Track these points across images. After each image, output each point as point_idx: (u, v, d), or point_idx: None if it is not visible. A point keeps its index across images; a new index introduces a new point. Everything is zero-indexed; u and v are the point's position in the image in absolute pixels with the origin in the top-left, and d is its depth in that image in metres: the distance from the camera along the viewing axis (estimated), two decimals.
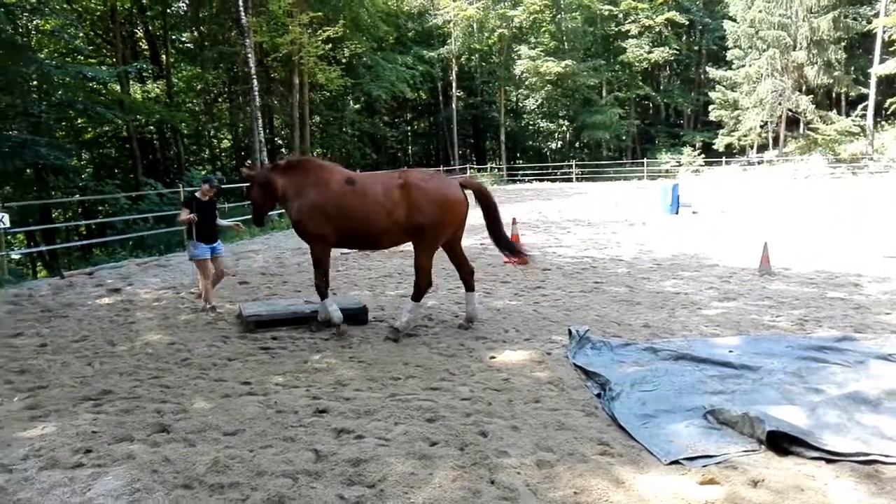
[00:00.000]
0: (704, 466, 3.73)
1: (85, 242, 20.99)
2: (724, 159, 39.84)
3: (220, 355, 6.14)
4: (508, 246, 7.45)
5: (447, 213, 6.61)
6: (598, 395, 4.89)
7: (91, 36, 27.97)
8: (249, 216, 8.21)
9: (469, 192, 7.05)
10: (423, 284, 6.77)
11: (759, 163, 38.86)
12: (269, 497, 3.40)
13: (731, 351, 5.77)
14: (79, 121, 24.63)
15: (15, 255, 19.51)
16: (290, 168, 6.98)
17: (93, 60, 27.32)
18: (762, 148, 40.53)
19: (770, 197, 23.43)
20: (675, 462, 3.79)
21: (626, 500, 3.38)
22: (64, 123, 23.61)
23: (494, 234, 7.26)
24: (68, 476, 3.67)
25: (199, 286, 8.46)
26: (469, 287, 7.13)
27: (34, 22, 20.82)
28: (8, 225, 11.46)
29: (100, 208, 24.57)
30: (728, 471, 3.67)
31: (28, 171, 20.98)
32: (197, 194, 8.15)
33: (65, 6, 20.94)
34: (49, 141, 17.66)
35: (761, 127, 39.10)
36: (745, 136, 39.46)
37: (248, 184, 7.70)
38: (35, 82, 18.54)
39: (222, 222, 8.48)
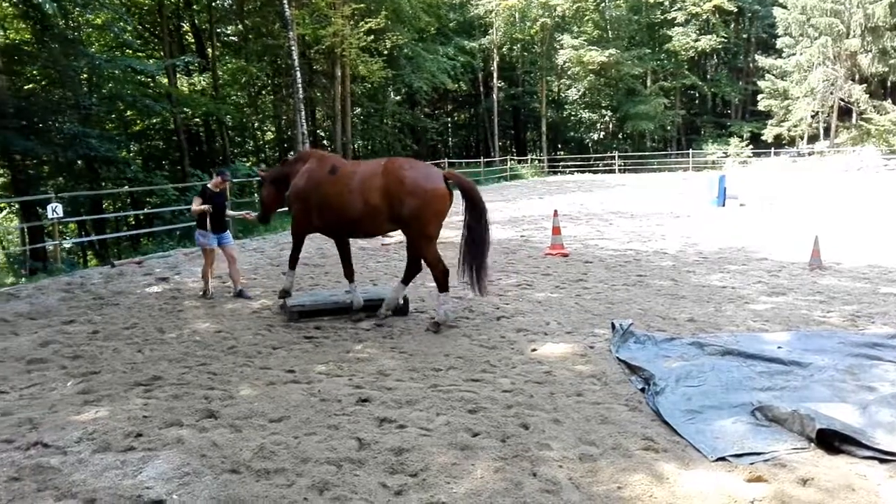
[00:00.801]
0: (752, 464, 3.65)
1: (134, 232, 21.54)
2: (772, 150, 38.85)
3: (265, 343, 6.25)
4: (480, 263, 6.68)
5: (428, 204, 6.41)
6: (642, 390, 4.83)
7: (139, 30, 28.60)
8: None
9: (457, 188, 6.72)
10: (437, 274, 6.67)
11: (809, 154, 37.78)
12: (313, 483, 3.46)
13: (779, 347, 5.63)
14: (128, 113, 25.25)
15: (66, 244, 20.16)
16: (295, 160, 7.42)
17: (141, 54, 27.94)
18: (813, 139, 39.38)
19: (821, 189, 22.76)
20: (722, 459, 3.73)
21: (671, 497, 3.34)
22: (113, 116, 24.22)
23: (474, 236, 6.65)
24: (120, 459, 3.78)
25: (203, 270, 8.81)
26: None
27: (85, 16, 21.37)
28: (62, 215, 11.83)
29: (148, 199, 25.19)
30: (776, 469, 3.59)
31: (79, 162, 21.61)
32: (209, 185, 8.51)
33: (114, 0, 21.44)
34: (100, 133, 18.16)
35: (812, 117, 38.01)
36: (795, 126, 38.39)
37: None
38: (86, 76, 19.04)
39: (231, 213, 9.04)
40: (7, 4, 19.31)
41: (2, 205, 25.11)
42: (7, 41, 20.09)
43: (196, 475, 3.56)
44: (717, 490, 3.37)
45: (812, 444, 3.84)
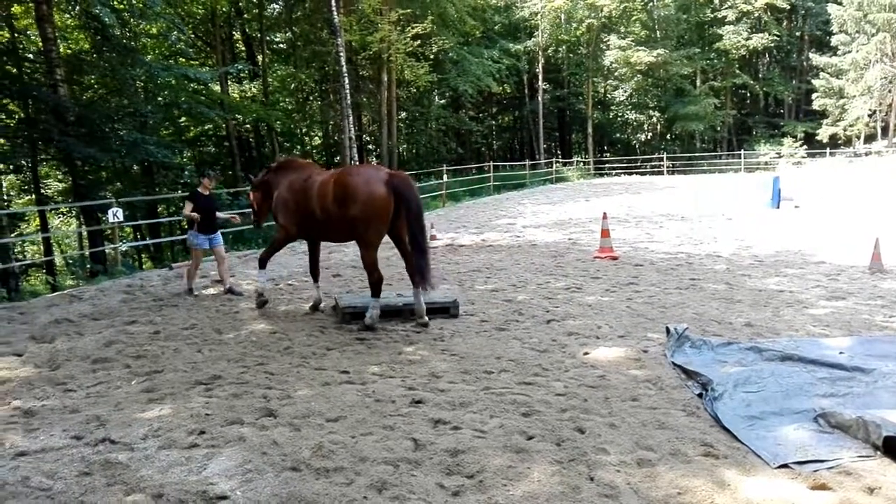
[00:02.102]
0: (815, 471, 3.57)
1: (187, 236, 22.09)
2: (828, 150, 37.69)
3: (319, 345, 6.36)
4: (421, 259, 6.78)
5: (367, 208, 6.60)
6: (700, 395, 4.76)
7: (193, 39, 29.40)
8: None
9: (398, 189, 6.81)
10: (372, 280, 6.87)
11: (866, 154, 36.52)
12: (372, 483, 3.51)
13: (841, 352, 5.48)
14: (182, 120, 25.97)
15: (124, 248, 20.82)
16: (277, 169, 7.90)
17: (195, 62, 28.72)
18: (870, 138, 38.06)
19: (879, 190, 21.97)
20: (784, 466, 3.65)
21: (732, 503, 3.28)
22: (168, 123, 24.93)
23: (411, 236, 6.82)
24: (185, 455, 3.90)
25: (188, 268, 9.39)
26: (415, 283, 6.93)
27: (142, 26, 22.06)
28: (122, 219, 12.24)
29: None
30: (841, 476, 3.50)
31: (136, 167, 22.32)
32: (199, 189, 9.01)
33: (169, 10, 22.08)
34: (156, 140, 18.68)
35: (869, 116, 36.75)
36: (851, 125, 37.16)
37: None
38: (143, 84, 19.65)
39: (221, 215, 9.46)
40: (68, 16, 20.10)
41: (63, 209, 26.07)
42: (68, 51, 20.89)
43: (258, 472, 3.65)
44: (779, 497, 3.30)
45: (878, 453, 3.73)
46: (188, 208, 8.77)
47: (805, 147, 39.49)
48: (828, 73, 37.99)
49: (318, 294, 7.99)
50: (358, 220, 6.68)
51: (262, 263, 7.86)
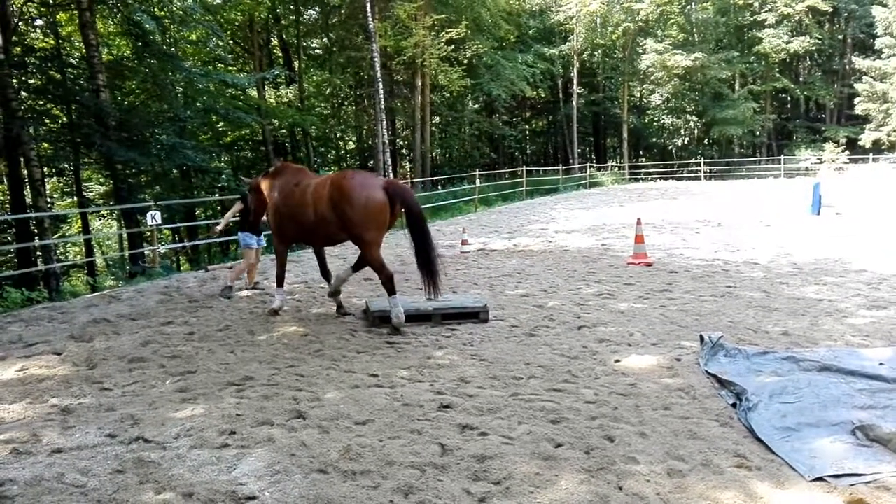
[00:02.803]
0: (852, 485, 3.46)
1: (223, 239, 22.44)
2: (871, 156, 36.71)
3: (349, 348, 6.40)
4: (431, 267, 6.88)
5: (366, 213, 6.77)
6: (734, 405, 4.66)
7: (231, 45, 29.93)
8: None
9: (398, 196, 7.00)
10: (382, 279, 6.95)
11: None
12: (398, 486, 3.50)
13: (881, 363, 5.30)
14: (220, 125, 26.43)
15: (162, 250, 21.22)
16: (273, 174, 7.97)
17: (233, 68, 29.24)
18: None
19: None
20: (820, 479, 3.54)
21: None
22: (206, 127, 25.41)
23: (415, 243, 6.91)
24: (216, 455, 3.95)
25: (240, 267, 9.71)
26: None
27: (182, 33, 22.53)
28: (160, 221, 12.49)
29: None
30: (879, 491, 3.39)
31: (175, 171, 22.77)
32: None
33: (208, 17, 22.52)
34: (195, 144, 19.07)
35: None
36: (895, 131, 36.13)
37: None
38: (182, 89, 20.06)
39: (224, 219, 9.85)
40: (111, 23, 20.63)
41: (103, 212, 26.72)
42: (110, 57, 21.44)
43: (286, 474, 3.68)
44: None
45: None
46: (237, 207, 9.23)
47: (847, 152, 38.55)
48: (871, 77, 37.04)
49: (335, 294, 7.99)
50: (354, 223, 6.83)
51: (279, 281, 7.99)
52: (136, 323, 7.70)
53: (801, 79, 45.60)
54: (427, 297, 7.11)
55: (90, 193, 24.66)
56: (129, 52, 21.20)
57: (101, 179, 24.24)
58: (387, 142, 25.36)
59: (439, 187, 29.95)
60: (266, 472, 3.71)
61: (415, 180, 27.37)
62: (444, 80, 29.28)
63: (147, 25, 15.77)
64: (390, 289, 6.94)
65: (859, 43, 42.56)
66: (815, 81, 43.54)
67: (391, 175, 24.95)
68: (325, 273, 8.19)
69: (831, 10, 40.51)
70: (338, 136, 37.51)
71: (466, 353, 6.17)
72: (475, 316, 7.38)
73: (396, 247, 14.27)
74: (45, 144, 18.14)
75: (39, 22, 19.72)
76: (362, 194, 6.76)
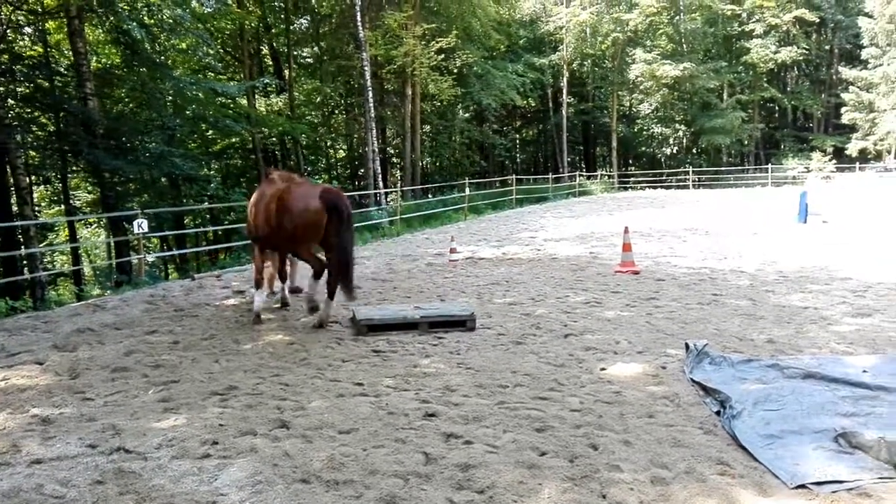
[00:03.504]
0: (834, 492, 3.47)
1: (213, 247, 22.38)
2: (857, 165, 37.06)
3: (335, 356, 6.37)
4: (345, 273, 7.36)
5: (301, 221, 7.24)
6: (718, 413, 4.67)
7: (221, 53, 29.90)
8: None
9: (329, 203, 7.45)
10: (316, 267, 7.57)
11: None
12: (381, 496, 3.48)
13: (865, 371, 5.33)
14: (209, 133, 26.37)
15: (150, 258, 21.11)
16: (265, 181, 8.27)
17: (223, 76, 29.21)
18: None
19: None
20: (802, 486, 3.55)
21: None
22: (196, 136, 25.35)
23: (339, 249, 7.33)
24: (197, 466, 3.91)
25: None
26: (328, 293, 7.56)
27: (171, 41, 22.49)
28: (147, 230, 12.42)
29: (227, 216, 26.16)
30: (860, 498, 3.40)
31: (163, 180, 22.70)
32: None
33: (198, 26, 22.50)
34: (183, 152, 19.02)
35: None
36: (881, 140, 36.56)
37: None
38: (171, 98, 20.02)
39: None
40: (99, 31, 20.57)
41: (91, 220, 26.57)
42: (99, 65, 21.38)
43: (268, 484, 3.65)
44: None
45: None
46: None
47: (834, 161, 38.90)
48: (858, 87, 37.47)
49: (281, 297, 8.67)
50: (294, 232, 7.34)
51: (257, 284, 8.18)
52: (121, 332, 7.63)
53: (788, 88, 46.03)
54: (348, 298, 7.56)
55: (78, 202, 24.54)
56: (118, 60, 21.14)
57: (89, 188, 24.12)
58: (377, 150, 25.38)
59: (429, 195, 29.97)
60: (248, 482, 3.68)
61: (405, 188, 27.38)
62: (434, 89, 29.31)
63: (136, 34, 15.73)
64: (318, 273, 7.57)
65: (846, 53, 43.04)
66: (802, 91, 43.96)
67: (381, 184, 24.94)
68: (284, 277, 8.83)
69: (818, 20, 40.97)
70: (328, 144, 37.49)
71: (453, 361, 6.16)
72: (462, 324, 7.37)
73: (386, 255, 14.27)
74: (33, 153, 18.05)
75: (28, 30, 19.65)
76: (300, 205, 7.24)
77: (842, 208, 20.31)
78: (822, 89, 44.51)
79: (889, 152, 37.55)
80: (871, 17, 36.32)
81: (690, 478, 3.67)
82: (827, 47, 44.39)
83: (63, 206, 22.46)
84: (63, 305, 10.10)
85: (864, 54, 37.63)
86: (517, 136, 50.61)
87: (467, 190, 25.32)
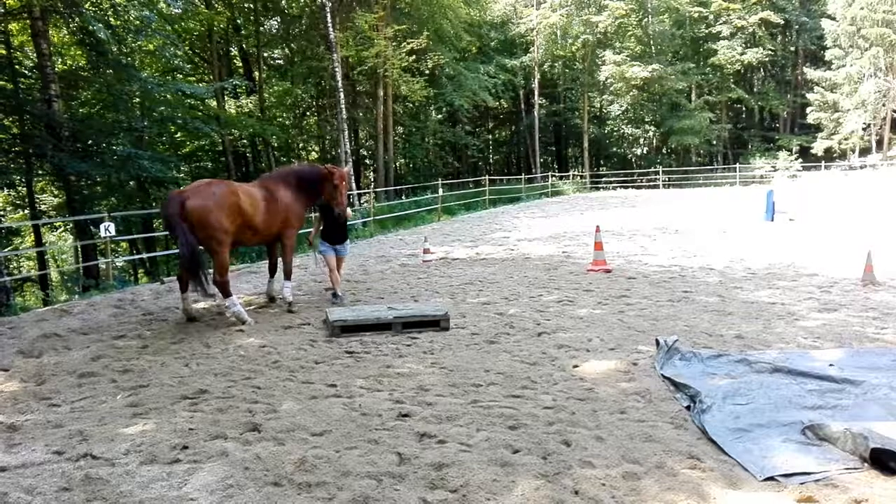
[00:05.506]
0: (802, 484, 3.54)
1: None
2: (823, 164, 37.85)
3: (308, 358, 6.32)
4: (195, 266, 7.66)
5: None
6: (688, 408, 4.73)
7: (190, 55, 29.53)
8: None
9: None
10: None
11: (861, 167, 36.66)
12: (354, 497, 3.46)
13: (831, 364, 5.45)
14: (178, 135, 26.01)
15: (119, 262, 20.73)
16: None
17: (191, 78, 28.87)
18: (865, 152, 38.30)
19: (874, 203, 22.00)
20: (771, 479, 3.61)
21: None
22: (164, 138, 24.96)
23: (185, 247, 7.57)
24: (166, 471, 3.85)
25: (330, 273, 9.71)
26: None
27: (138, 43, 22.15)
28: (114, 234, 12.19)
29: None
30: (828, 489, 3.47)
31: (132, 183, 22.31)
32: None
33: (166, 27, 22.19)
34: (151, 155, 18.70)
35: (864, 129, 36.97)
36: (846, 139, 37.41)
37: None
38: (138, 100, 19.70)
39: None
40: (64, 32, 20.18)
41: (57, 224, 26.04)
42: (64, 67, 20.96)
43: (239, 488, 3.61)
44: None
45: (866, 465, 3.70)
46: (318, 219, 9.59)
47: (800, 160, 39.67)
48: (822, 87, 38.27)
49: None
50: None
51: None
52: (88, 337, 7.49)
53: (755, 89, 46.85)
54: (207, 293, 7.93)
55: (44, 206, 24.03)
56: (83, 61, 20.74)
57: (55, 191, 23.64)
58: (349, 152, 25.24)
59: (402, 197, 29.92)
60: (218, 486, 3.63)
61: (378, 190, 27.30)
62: (406, 91, 29.31)
63: (102, 35, 15.44)
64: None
65: (810, 54, 43.94)
66: (768, 92, 44.77)
67: (354, 186, 24.83)
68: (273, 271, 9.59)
69: (783, 22, 41.78)
70: (300, 146, 37.23)
71: (426, 361, 6.15)
72: (436, 324, 7.37)
73: (360, 256, 14.20)
74: None
75: None
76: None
77: (808, 206, 20.72)
78: (787, 90, 45.39)
79: (853, 151, 38.44)
80: (833, 19, 37.14)
81: (661, 472, 3.71)
82: (792, 49, 45.28)
83: (28, 211, 21.96)
84: (29, 311, 9.87)
85: (828, 55, 38.47)
86: (490, 137, 50.81)
87: (440, 191, 25.32)
